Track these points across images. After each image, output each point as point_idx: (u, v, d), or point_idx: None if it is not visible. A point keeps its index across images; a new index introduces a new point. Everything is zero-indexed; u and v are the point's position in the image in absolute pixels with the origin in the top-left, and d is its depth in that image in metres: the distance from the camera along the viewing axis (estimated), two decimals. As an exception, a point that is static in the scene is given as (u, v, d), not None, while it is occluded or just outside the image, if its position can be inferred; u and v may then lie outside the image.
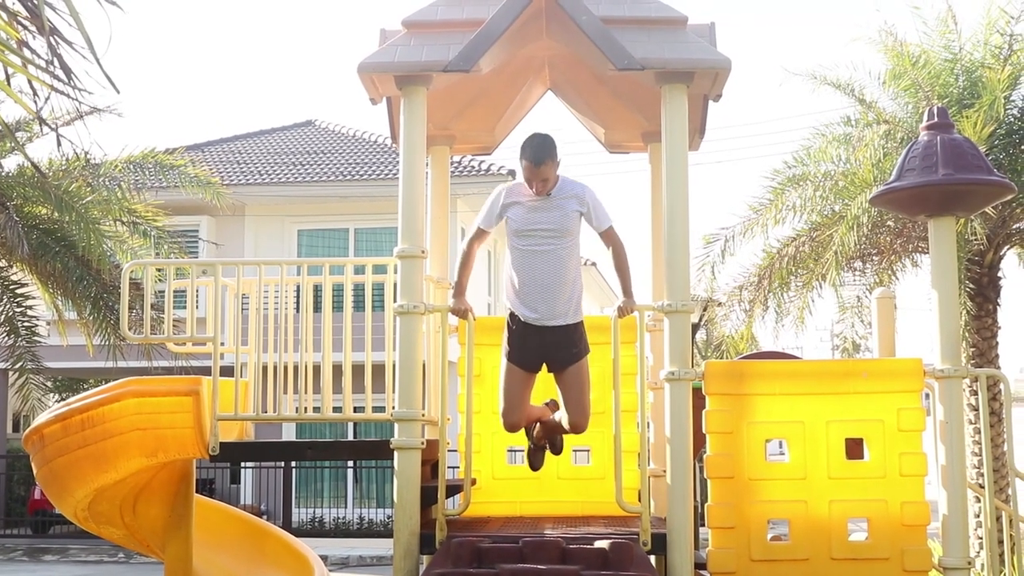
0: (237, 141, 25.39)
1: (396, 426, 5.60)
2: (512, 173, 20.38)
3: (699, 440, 5.60)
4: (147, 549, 7.04)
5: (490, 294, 22.07)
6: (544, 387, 5.98)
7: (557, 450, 6.11)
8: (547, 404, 6.01)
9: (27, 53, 2.99)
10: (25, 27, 2.87)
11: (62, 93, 2.88)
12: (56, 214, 12.60)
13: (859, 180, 11.07)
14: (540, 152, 5.47)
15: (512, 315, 5.68)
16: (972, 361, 11.36)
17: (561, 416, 5.81)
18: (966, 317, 11.21)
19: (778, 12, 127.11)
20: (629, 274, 5.71)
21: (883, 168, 10.77)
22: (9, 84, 3.03)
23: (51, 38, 2.71)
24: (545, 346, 5.61)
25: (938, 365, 5.52)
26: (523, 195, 5.63)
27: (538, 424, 5.97)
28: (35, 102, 2.98)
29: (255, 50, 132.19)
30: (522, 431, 6.10)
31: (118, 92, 2.60)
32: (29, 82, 3.03)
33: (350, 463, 20.81)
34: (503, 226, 5.75)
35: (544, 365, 5.71)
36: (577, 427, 5.74)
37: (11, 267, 13.46)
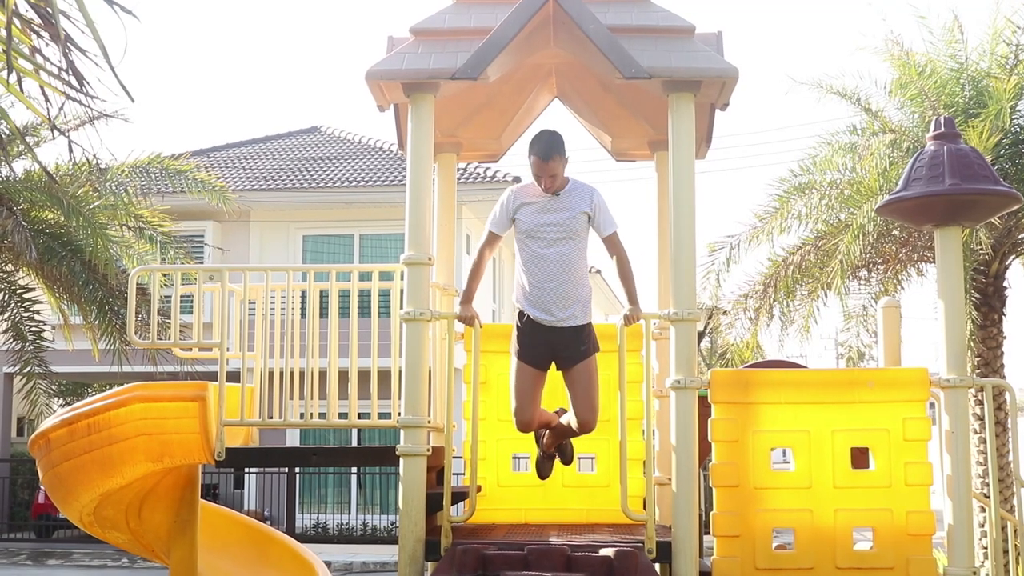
0: (243, 147, 25.44)
1: (402, 433, 5.61)
2: (517, 179, 20.41)
3: (704, 448, 5.60)
4: (152, 554, 7.05)
5: (495, 301, 22.07)
6: (553, 396, 5.99)
7: (567, 459, 6.08)
8: (557, 412, 6.02)
9: (39, 59, 3.00)
10: (38, 34, 2.89)
11: (74, 100, 2.90)
12: (63, 219, 12.62)
13: (865, 189, 11.07)
14: (549, 148, 5.51)
15: (521, 314, 5.68)
16: (977, 371, 11.35)
17: (569, 419, 5.80)
18: (971, 327, 11.20)
19: (784, 21, 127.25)
20: (634, 282, 5.71)
21: (889, 177, 10.77)
22: (20, 89, 3.04)
23: (65, 45, 2.73)
24: (554, 345, 5.62)
25: (944, 375, 5.52)
26: (532, 195, 5.66)
27: (547, 432, 5.97)
28: (47, 108, 3.00)
29: (261, 56, 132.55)
30: (531, 438, 6.10)
31: (133, 100, 2.62)
32: (41, 88, 3.05)
33: (354, 469, 20.81)
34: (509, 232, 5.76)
35: (553, 364, 5.71)
36: (586, 425, 5.69)
37: (18, 271, 13.49)
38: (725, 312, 13.44)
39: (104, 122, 12.67)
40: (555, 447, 6.02)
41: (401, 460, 5.60)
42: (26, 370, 13.57)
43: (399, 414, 5.70)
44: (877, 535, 5.44)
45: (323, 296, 6.69)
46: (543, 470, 6.09)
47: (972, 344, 11.34)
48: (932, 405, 5.76)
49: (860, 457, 5.60)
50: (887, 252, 11.82)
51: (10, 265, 13.30)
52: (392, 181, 21.12)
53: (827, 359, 46.56)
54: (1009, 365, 12.07)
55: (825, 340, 46.38)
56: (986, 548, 10.02)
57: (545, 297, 5.57)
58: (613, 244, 5.69)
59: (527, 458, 6.57)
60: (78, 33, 2.81)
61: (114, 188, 13.41)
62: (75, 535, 19.19)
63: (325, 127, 26.83)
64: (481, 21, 5.87)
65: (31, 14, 2.86)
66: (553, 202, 5.61)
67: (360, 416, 6.53)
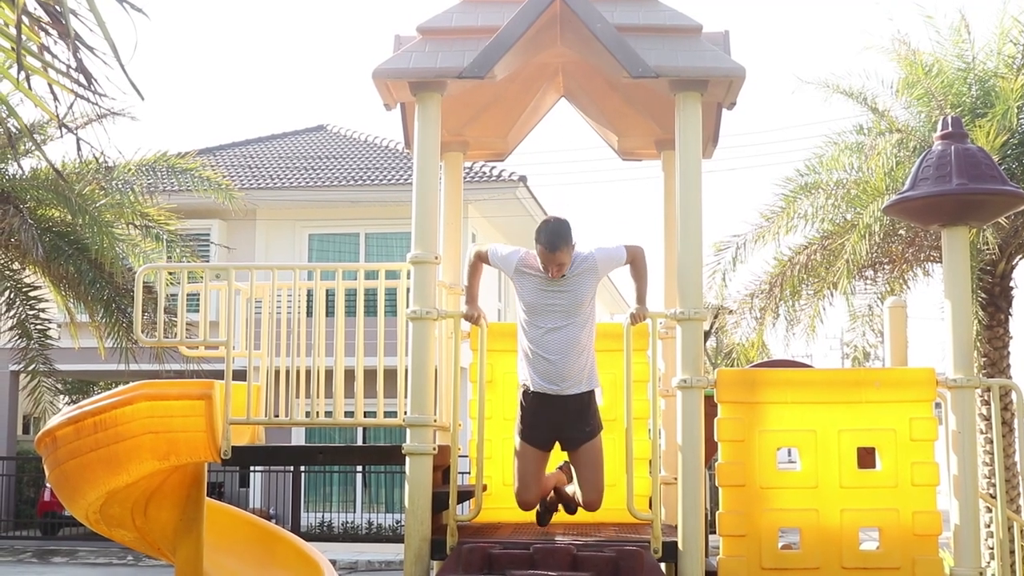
0: (249, 145, 25.48)
1: (408, 431, 5.62)
2: (523, 179, 20.42)
3: (711, 448, 5.60)
4: (157, 552, 7.06)
5: (500, 300, 22.07)
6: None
7: (571, 510, 6.05)
8: (561, 468, 6.02)
9: (48, 57, 3.01)
10: (47, 31, 2.89)
11: (83, 98, 2.91)
12: (70, 217, 12.65)
13: (871, 189, 11.06)
14: (555, 239, 5.48)
15: (526, 392, 5.71)
16: (984, 371, 11.34)
17: (575, 491, 5.84)
18: (978, 327, 11.18)
19: (791, 21, 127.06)
20: (646, 282, 5.72)
21: (895, 177, 10.76)
22: (29, 87, 3.05)
23: (74, 43, 2.74)
24: (558, 421, 5.64)
25: (950, 375, 5.51)
26: (536, 269, 5.63)
27: (553, 491, 5.98)
28: (56, 106, 3.01)
29: (268, 54, 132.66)
30: None
31: (143, 99, 2.63)
32: (49, 86, 3.05)
33: (359, 468, 20.83)
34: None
35: (558, 443, 5.74)
36: (591, 505, 5.76)
37: (24, 269, 13.51)
38: (731, 311, 13.42)
39: (111, 120, 12.69)
40: (558, 503, 6.03)
41: (407, 459, 5.59)
42: (31, 368, 13.59)
43: (405, 413, 5.71)
44: (883, 535, 5.44)
45: (329, 295, 6.69)
46: (543, 520, 6.08)
47: (979, 344, 11.32)
48: (939, 405, 5.75)
49: (866, 457, 5.59)
50: (893, 252, 11.81)
51: (17, 263, 13.33)
52: (398, 180, 21.13)
53: (832, 359, 46.54)
54: (1015, 365, 12.03)
55: (831, 340, 46.39)
56: (992, 548, 10.01)
57: (551, 370, 5.59)
58: (630, 256, 5.76)
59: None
60: (87, 31, 2.82)
61: (120, 186, 13.44)
62: (81, 533, 19.24)
63: (331, 126, 26.85)
64: (488, 20, 5.86)
65: (40, 12, 2.86)
66: (557, 282, 5.60)
67: (366, 415, 6.52)
